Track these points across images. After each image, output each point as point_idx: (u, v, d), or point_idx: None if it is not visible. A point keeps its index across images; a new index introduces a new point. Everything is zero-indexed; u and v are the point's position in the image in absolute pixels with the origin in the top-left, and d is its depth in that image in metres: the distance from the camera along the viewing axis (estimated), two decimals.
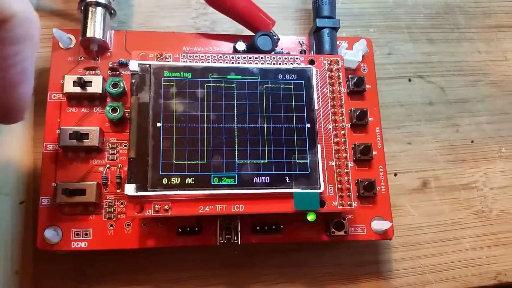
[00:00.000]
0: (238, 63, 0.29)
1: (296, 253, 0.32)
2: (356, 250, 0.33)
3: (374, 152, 0.32)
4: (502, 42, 0.40)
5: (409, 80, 0.38)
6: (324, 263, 0.32)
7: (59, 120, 0.29)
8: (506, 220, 0.35)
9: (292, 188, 0.27)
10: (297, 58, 0.30)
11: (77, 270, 0.30)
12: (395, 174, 0.35)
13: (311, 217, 0.28)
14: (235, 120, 0.28)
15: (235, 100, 0.28)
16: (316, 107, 0.29)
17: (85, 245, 0.27)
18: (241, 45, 0.31)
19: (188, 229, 0.28)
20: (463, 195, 0.35)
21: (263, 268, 0.31)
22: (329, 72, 0.30)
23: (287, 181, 0.27)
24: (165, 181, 0.26)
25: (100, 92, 0.29)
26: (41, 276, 0.29)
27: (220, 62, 0.29)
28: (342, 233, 0.29)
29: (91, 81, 0.29)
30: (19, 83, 0.19)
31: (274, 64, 0.30)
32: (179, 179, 0.26)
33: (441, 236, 0.34)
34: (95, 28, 0.30)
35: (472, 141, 0.37)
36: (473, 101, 0.38)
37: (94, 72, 0.30)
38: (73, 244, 0.27)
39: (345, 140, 0.29)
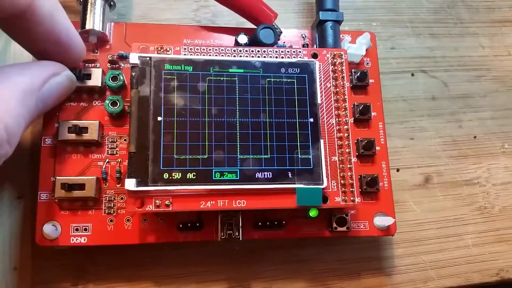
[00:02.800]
0: (240, 56, 0.29)
1: (298, 249, 0.32)
2: (358, 246, 0.32)
3: (377, 148, 0.31)
4: (506, 37, 0.40)
5: (412, 74, 0.37)
6: (326, 259, 0.32)
7: (57, 113, 0.28)
8: (509, 216, 0.35)
9: (295, 183, 0.27)
10: (299, 52, 0.30)
11: (76, 266, 0.29)
12: (398, 170, 0.35)
13: (313, 212, 0.28)
14: (237, 115, 0.28)
15: (237, 94, 0.28)
16: (319, 101, 0.29)
17: (84, 240, 0.27)
18: (243, 38, 0.31)
19: (189, 224, 0.28)
20: (465, 191, 0.35)
21: (264, 264, 0.31)
22: (332, 66, 0.30)
23: (290, 176, 0.27)
24: (166, 176, 0.26)
25: (100, 85, 0.28)
26: (40, 272, 0.29)
27: (222, 55, 0.29)
28: (344, 229, 0.29)
29: (90, 74, 0.28)
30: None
31: (276, 57, 0.29)
32: (180, 174, 0.26)
33: (443, 232, 0.34)
34: (94, 20, 0.29)
35: (475, 137, 0.37)
36: (476, 97, 0.38)
37: (93, 65, 0.29)
38: (73, 240, 0.27)
39: (348, 135, 0.29)
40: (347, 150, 0.28)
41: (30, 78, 0.23)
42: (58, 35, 0.24)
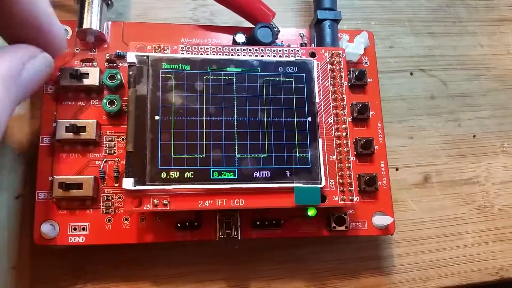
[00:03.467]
0: (238, 55, 0.29)
1: (297, 249, 0.32)
2: (357, 245, 0.32)
3: (376, 147, 0.31)
4: (505, 36, 0.40)
5: (411, 73, 0.37)
6: (325, 258, 0.32)
7: (55, 113, 0.28)
8: (508, 215, 0.35)
9: (293, 182, 0.27)
10: (297, 51, 0.30)
11: (75, 265, 0.29)
12: (397, 169, 0.35)
13: (311, 212, 0.28)
14: (235, 114, 0.27)
15: (234, 93, 0.28)
16: (317, 100, 0.29)
17: (82, 240, 0.27)
18: (240, 37, 0.30)
19: (187, 223, 0.28)
20: (465, 190, 0.35)
21: (263, 264, 0.31)
22: (330, 65, 0.30)
23: (288, 175, 0.27)
24: (163, 175, 0.26)
25: (97, 84, 0.28)
26: (38, 272, 0.29)
27: (220, 54, 0.29)
28: (343, 228, 0.29)
29: (87, 73, 0.28)
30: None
31: (274, 56, 0.29)
32: (178, 173, 0.26)
33: (442, 232, 0.34)
34: (92, 19, 0.29)
35: (474, 136, 0.37)
36: (475, 96, 0.38)
37: (90, 64, 0.29)
38: (70, 239, 0.27)
39: (347, 134, 0.29)
40: (345, 149, 0.28)
41: (8, 63, 0.22)
42: (38, 19, 0.23)
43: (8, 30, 0.23)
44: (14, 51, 0.22)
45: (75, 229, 0.27)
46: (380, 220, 0.30)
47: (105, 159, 0.28)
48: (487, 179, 0.36)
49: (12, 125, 0.29)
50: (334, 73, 0.30)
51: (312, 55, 0.30)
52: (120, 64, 0.30)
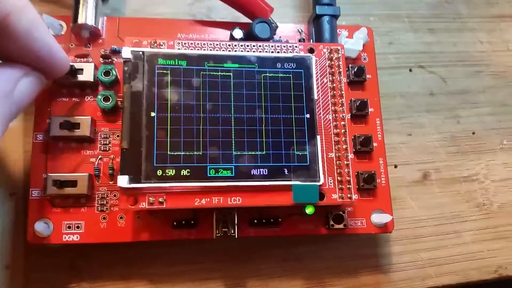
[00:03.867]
0: (235, 51, 0.28)
1: (295, 247, 0.31)
2: (355, 243, 0.32)
3: (375, 144, 0.31)
4: (505, 32, 0.39)
5: (410, 70, 0.37)
6: (324, 256, 0.31)
7: (49, 109, 0.28)
8: (507, 213, 0.35)
9: (291, 180, 0.27)
10: (296, 47, 0.29)
11: (70, 264, 0.29)
12: (395, 166, 0.34)
13: (309, 210, 0.28)
14: (232, 110, 0.27)
15: (232, 89, 0.27)
16: (315, 97, 0.28)
17: (77, 238, 0.27)
18: (238, 33, 0.30)
19: (183, 222, 0.27)
20: (464, 188, 0.35)
21: (261, 262, 0.31)
22: (329, 61, 0.29)
23: (286, 173, 0.27)
24: (159, 172, 0.25)
25: (92, 80, 0.28)
26: (33, 271, 0.28)
27: (217, 50, 0.28)
28: (341, 226, 0.29)
29: (82, 69, 0.28)
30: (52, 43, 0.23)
31: (272, 52, 0.29)
32: (174, 170, 0.25)
33: (441, 229, 0.33)
34: (87, 14, 0.29)
35: (473, 133, 0.36)
36: (475, 92, 0.37)
37: (85, 59, 0.29)
38: (65, 237, 0.27)
39: (345, 131, 0.28)
40: (344, 147, 0.28)
41: (1, 81, 0.22)
42: (38, 52, 0.23)
43: (8, 59, 0.23)
44: (7, 70, 0.23)
45: (69, 227, 0.27)
46: (379, 218, 0.29)
47: (100, 156, 0.28)
48: (487, 177, 0.35)
49: None
50: (332, 70, 0.29)
51: (311, 51, 0.30)
52: (115, 59, 0.29)
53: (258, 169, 0.27)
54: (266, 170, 0.27)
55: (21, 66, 0.23)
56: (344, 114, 0.29)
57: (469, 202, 0.35)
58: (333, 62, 0.29)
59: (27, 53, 0.23)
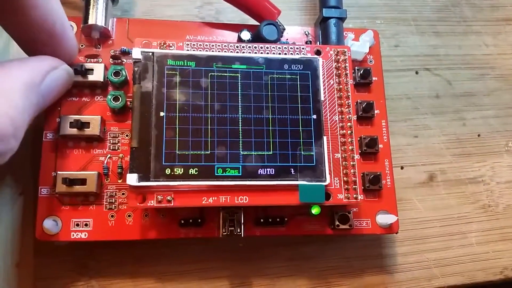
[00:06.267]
0: (243, 52, 0.29)
1: (301, 246, 0.31)
2: (362, 243, 0.32)
3: (380, 145, 0.31)
4: (510, 35, 0.40)
5: (416, 72, 0.37)
6: (329, 256, 0.32)
7: (59, 108, 0.28)
8: None
9: (297, 180, 0.27)
10: (303, 48, 0.30)
11: (78, 262, 0.29)
12: (402, 167, 0.34)
13: (315, 210, 0.28)
14: (240, 111, 0.27)
15: (239, 90, 0.28)
16: (322, 98, 0.28)
17: (85, 236, 0.27)
18: (246, 35, 0.30)
19: (190, 220, 0.28)
20: (469, 189, 0.35)
21: (267, 261, 0.31)
22: (335, 63, 0.30)
23: (292, 173, 0.27)
24: (168, 171, 0.26)
25: (102, 80, 0.28)
26: (42, 269, 0.29)
27: (225, 51, 0.29)
28: (347, 226, 0.29)
29: (92, 69, 0.28)
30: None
31: (279, 54, 0.29)
32: (182, 169, 0.26)
33: (447, 231, 0.34)
34: (97, 15, 0.29)
35: (478, 135, 0.36)
36: (480, 95, 0.38)
37: (95, 60, 0.29)
38: (73, 235, 0.27)
39: (351, 132, 0.28)
40: (350, 148, 0.28)
41: (30, 72, 0.22)
42: (53, 24, 0.23)
43: (22, 35, 0.24)
44: (35, 62, 0.23)
45: (77, 225, 0.27)
46: (384, 218, 0.30)
47: (109, 155, 0.28)
48: (492, 178, 0.35)
49: None
50: (339, 71, 0.30)
51: (318, 53, 0.30)
52: (125, 60, 0.30)
53: (265, 169, 0.27)
54: (273, 170, 0.27)
55: (51, 59, 0.24)
56: (350, 116, 0.29)
57: (475, 203, 0.35)
58: (339, 64, 0.30)
59: (42, 24, 0.23)
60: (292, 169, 0.27)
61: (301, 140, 0.28)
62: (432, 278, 0.32)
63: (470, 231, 0.34)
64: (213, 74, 0.28)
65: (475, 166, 0.36)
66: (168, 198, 0.26)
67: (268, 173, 0.27)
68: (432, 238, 0.33)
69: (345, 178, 0.28)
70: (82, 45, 0.30)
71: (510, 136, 0.37)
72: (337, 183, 0.28)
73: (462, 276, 0.33)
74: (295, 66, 0.29)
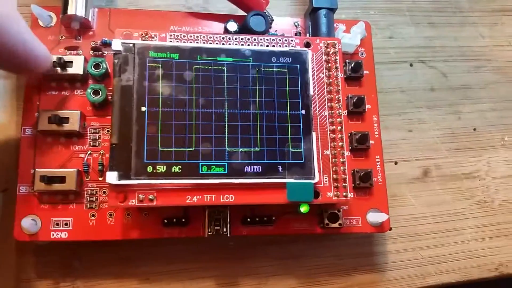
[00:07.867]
0: (229, 44, 0.28)
1: (291, 245, 0.31)
2: (353, 241, 0.31)
3: (371, 141, 0.30)
4: (506, 27, 0.39)
5: (411, 65, 0.36)
6: (321, 255, 0.31)
7: (38, 102, 0.27)
8: (508, 210, 0.34)
9: (285, 178, 0.26)
10: (292, 40, 0.29)
11: (63, 263, 0.28)
12: (396, 163, 0.34)
13: (304, 208, 0.27)
14: (225, 105, 0.26)
15: (225, 84, 0.27)
16: (311, 92, 0.28)
17: (65, 235, 0.26)
18: (232, 25, 0.29)
19: (174, 220, 0.27)
20: (465, 185, 0.34)
21: (257, 261, 0.30)
22: (325, 56, 0.29)
23: (280, 170, 0.26)
24: (149, 169, 0.25)
25: (81, 73, 0.27)
26: (24, 269, 0.28)
27: (210, 43, 0.27)
28: (336, 225, 0.28)
29: (72, 62, 0.27)
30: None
31: (267, 46, 0.28)
32: (165, 167, 0.25)
33: (442, 227, 0.33)
34: (77, 5, 0.28)
35: (474, 129, 0.36)
36: (476, 88, 0.37)
37: (75, 52, 0.28)
38: (53, 235, 0.26)
39: (342, 128, 0.28)
40: (340, 144, 0.27)
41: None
42: (11, 49, 0.23)
43: None
44: None
45: (57, 224, 0.26)
46: (375, 217, 0.29)
47: (89, 152, 0.27)
48: (488, 174, 0.35)
49: None
50: (329, 65, 0.29)
51: (307, 45, 0.29)
52: (106, 52, 0.29)
53: (252, 166, 0.26)
54: (260, 167, 0.26)
55: None
56: (340, 111, 0.28)
57: (470, 199, 0.34)
58: (329, 57, 0.29)
59: (1, 49, 0.22)
60: (280, 167, 0.26)
61: (289, 136, 0.27)
62: (426, 275, 0.32)
63: (465, 227, 0.33)
64: (197, 67, 0.27)
65: (471, 161, 0.35)
66: (150, 197, 0.25)
67: (255, 170, 0.26)
68: (427, 235, 0.33)
69: (334, 176, 0.27)
70: (61, 37, 0.29)
71: (506, 130, 0.36)
72: (326, 181, 0.27)
73: (457, 273, 0.32)
74: (284, 59, 0.28)
